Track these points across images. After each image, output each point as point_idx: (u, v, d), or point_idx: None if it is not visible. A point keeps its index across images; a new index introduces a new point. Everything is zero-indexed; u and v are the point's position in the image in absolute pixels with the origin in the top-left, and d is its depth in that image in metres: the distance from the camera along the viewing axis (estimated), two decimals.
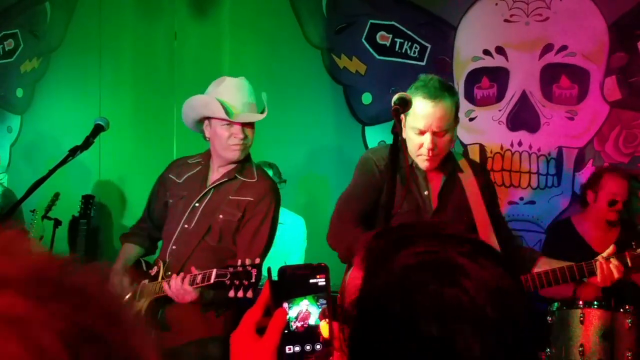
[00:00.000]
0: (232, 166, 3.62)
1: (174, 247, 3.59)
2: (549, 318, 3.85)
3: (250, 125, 3.54)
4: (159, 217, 3.80)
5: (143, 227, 3.87)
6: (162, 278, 3.50)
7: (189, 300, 3.26)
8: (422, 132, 3.08)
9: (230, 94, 3.57)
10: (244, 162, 3.63)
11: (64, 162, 3.45)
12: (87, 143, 3.54)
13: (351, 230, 3.22)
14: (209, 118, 3.58)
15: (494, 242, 3.10)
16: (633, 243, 3.20)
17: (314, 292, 1.26)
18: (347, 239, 3.19)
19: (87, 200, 5.53)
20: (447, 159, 3.27)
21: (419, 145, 3.11)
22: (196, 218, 3.58)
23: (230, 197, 3.57)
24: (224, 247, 3.51)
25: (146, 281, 3.58)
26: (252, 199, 3.53)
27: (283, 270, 1.27)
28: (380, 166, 3.21)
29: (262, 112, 3.58)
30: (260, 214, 3.52)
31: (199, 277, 3.20)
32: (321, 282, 1.27)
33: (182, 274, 3.27)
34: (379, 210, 3.20)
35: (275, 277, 1.28)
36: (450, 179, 3.29)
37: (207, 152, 3.73)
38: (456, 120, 3.20)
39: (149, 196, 3.90)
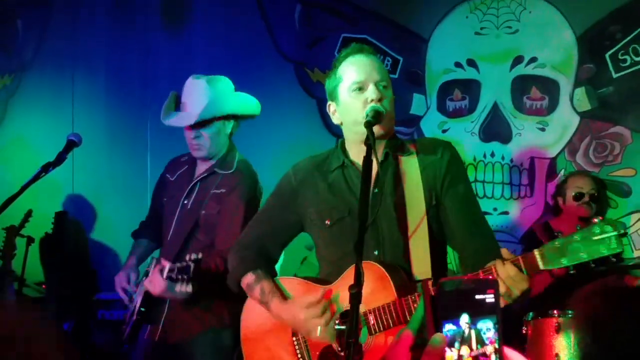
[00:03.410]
0: (213, 161, 3.69)
1: (166, 245, 3.69)
2: (523, 329, 3.87)
3: (207, 127, 3.60)
4: (160, 218, 3.86)
5: (150, 222, 3.93)
6: None
7: (158, 293, 3.27)
8: (363, 85, 2.68)
9: (186, 93, 3.72)
10: (225, 156, 3.69)
11: (36, 178, 3.43)
12: (59, 159, 3.52)
13: (239, 254, 2.94)
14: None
15: (424, 261, 2.62)
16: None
17: (482, 311, 1.06)
18: (235, 260, 2.95)
19: (60, 217, 5.48)
20: (389, 141, 2.77)
21: (363, 104, 2.65)
22: (183, 215, 3.66)
23: (212, 192, 3.63)
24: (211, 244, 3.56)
25: (145, 278, 3.63)
26: (224, 191, 3.59)
27: (443, 284, 1.07)
28: (297, 178, 2.89)
29: (202, 119, 3.57)
30: (232, 205, 3.54)
31: (164, 271, 3.22)
32: (490, 298, 1.06)
33: (158, 266, 3.29)
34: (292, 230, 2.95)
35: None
36: (385, 166, 2.75)
37: None
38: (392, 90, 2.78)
39: (152, 202, 4.00)
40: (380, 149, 2.74)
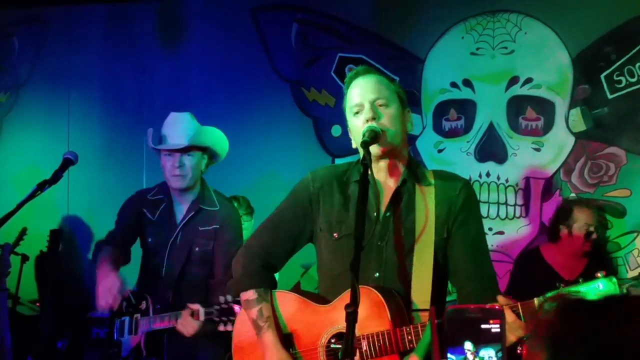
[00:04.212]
0: (193, 197, 3.90)
1: (159, 282, 3.89)
2: (518, 348, 3.85)
3: (190, 155, 3.82)
4: (129, 239, 4.09)
5: (121, 240, 4.10)
6: (154, 312, 3.79)
7: (192, 333, 3.57)
8: (360, 108, 2.71)
9: (168, 126, 3.91)
10: (202, 191, 3.93)
11: (32, 196, 3.42)
12: (55, 177, 3.51)
13: (245, 267, 2.90)
14: (157, 149, 3.90)
15: (425, 291, 2.62)
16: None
17: (486, 340, 1.09)
18: (240, 269, 2.92)
19: (55, 235, 5.46)
20: (408, 166, 2.78)
21: (363, 125, 2.67)
22: (173, 253, 3.88)
23: (200, 229, 3.87)
24: (207, 275, 3.86)
25: (138, 315, 3.84)
26: (218, 227, 3.88)
27: (450, 312, 1.11)
28: (315, 185, 2.85)
29: (193, 143, 3.82)
30: (229, 237, 3.85)
31: (196, 314, 3.51)
32: (495, 328, 1.10)
33: (187, 310, 3.56)
34: (302, 238, 2.91)
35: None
36: (401, 192, 2.75)
37: (163, 184, 3.99)
38: (402, 103, 2.78)
39: (123, 219, 4.11)
40: (399, 173, 2.76)
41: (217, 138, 3.98)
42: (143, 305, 3.83)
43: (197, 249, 3.84)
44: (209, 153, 3.94)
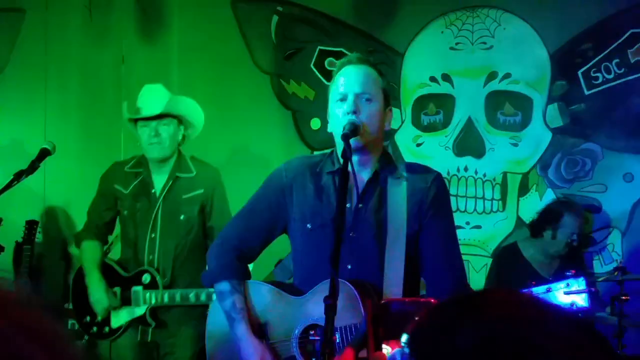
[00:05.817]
0: (169, 167, 4.02)
1: (150, 256, 3.99)
2: None
3: (166, 124, 3.95)
4: (110, 223, 4.19)
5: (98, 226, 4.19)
6: (164, 286, 3.93)
7: None
8: (345, 97, 2.68)
9: (142, 97, 4.06)
10: (179, 160, 4.05)
11: (8, 186, 3.40)
12: (32, 167, 3.50)
13: (219, 258, 2.90)
14: (134, 121, 4.03)
15: (397, 283, 2.51)
16: None
17: None
18: (214, 260, 2.93)
19: (31, 225, 5.42)
20: (381, 159, 2.79)
21: (342, 115, 2.67)
22: (159, 225, 3.99)
23: (184, 197, 4.00)
24: (197, 241, 4.01)
25: (139, 288, 3.98)
26: (202, 191, 4.02)
27: (386, 305, 1.05)
28: (288, 176, 2.84)
29: (166, 111, 3.95)
30: (219, 200, 4.04)
31: None
32: None
33: None
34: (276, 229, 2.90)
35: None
36: (374, 184, 2.75)
37: (142, 157, 4.11)
38: (386, 100, 2.78)
39: (97, 206, 4.23)
40: (372, 166, 2.77)
41: (190, 107, 4.11)
42: (145, 278, 3.95)
43: (182, 216, 3.97)
44: (185, 124, 4.05)
